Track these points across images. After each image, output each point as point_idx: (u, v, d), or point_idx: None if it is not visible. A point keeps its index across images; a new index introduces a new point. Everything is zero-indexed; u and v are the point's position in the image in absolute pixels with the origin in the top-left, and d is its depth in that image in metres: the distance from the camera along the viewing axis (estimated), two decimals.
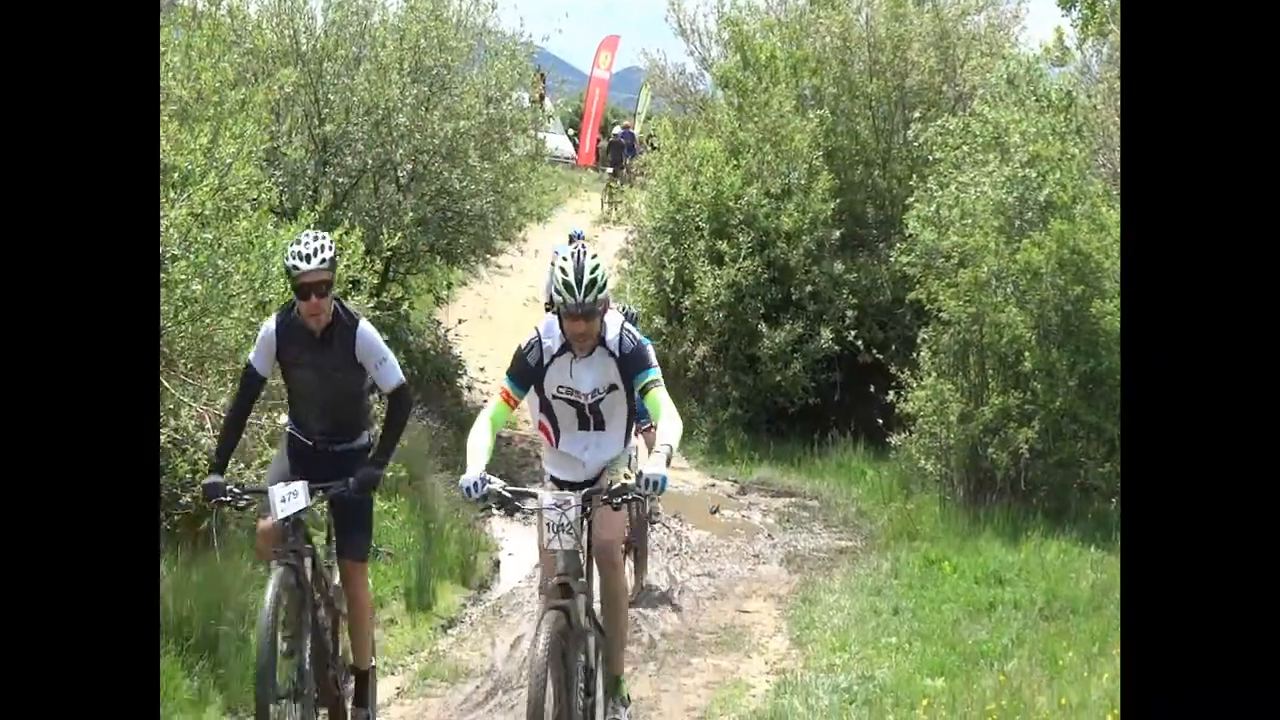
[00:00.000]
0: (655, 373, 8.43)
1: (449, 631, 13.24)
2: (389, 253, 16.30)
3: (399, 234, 16.47)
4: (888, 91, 22.59)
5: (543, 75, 23.71)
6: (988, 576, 14.20)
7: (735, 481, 20.02)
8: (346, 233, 13.82)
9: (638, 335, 8.54)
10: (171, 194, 12.22)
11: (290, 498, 8.37)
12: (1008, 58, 19.72)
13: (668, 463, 7.88)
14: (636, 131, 39.83)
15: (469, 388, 21.44)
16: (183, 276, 11.72)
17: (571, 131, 46.10)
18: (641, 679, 11.67)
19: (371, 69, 19.11)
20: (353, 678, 9.11)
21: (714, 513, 18.33)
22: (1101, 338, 16.39)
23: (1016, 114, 18.07)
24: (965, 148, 18.21)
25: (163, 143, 13.10)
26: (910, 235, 18.52)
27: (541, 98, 24.64)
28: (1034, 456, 16.42)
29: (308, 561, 8.57)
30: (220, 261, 12.12)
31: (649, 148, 30.56)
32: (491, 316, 25.42)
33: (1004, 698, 9.35)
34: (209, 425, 11.53)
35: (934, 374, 17.39)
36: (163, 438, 11.15)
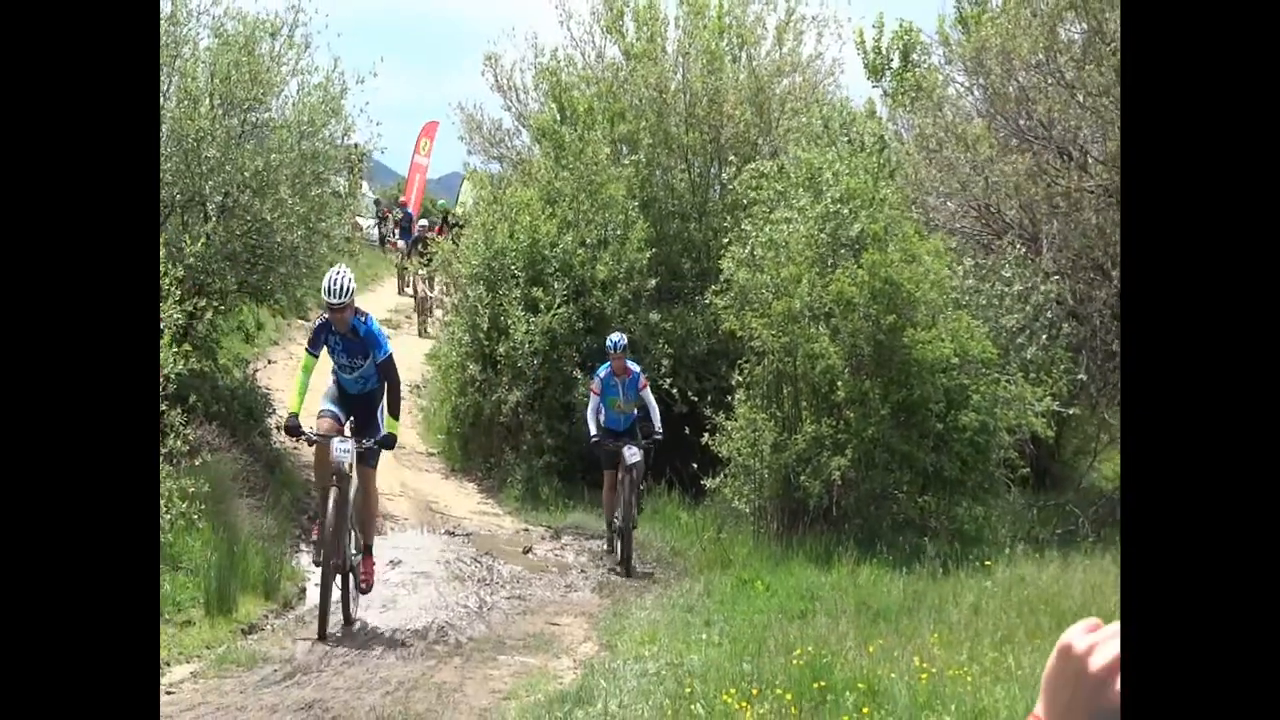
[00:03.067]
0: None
1: (249, 636, 12.81)
2: (191, 262, 16.06)
3: (200, 242, 16.21)
4: (703, 144, 22.69)
5: (362, 155, 23.30)
6: (800, 593, 14.11)
7: (549, 527, 19.74)
8: None
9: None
10: None
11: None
12: (821, 102, 19.92)
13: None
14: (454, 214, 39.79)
15: (277, 427, 20.94)
16: None
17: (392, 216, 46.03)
18: (446, 670, 11.40)
19: (182, 98, 18.77)
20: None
21: (526, 552, 18.06)
22: (914, 367, 16.46)
23: (830, 155, 18.25)
24: (779, 186, 18.31)
25: None
26: (726, 279, 18.51)
27: (360, 165, 24.14)
28: (847, 486, 16.42)
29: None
30: None
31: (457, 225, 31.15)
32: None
33: (810, 642, 9.21)
34: None
35: (748, 405, 17.33)
36: None
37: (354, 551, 13.27)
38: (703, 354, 21.63)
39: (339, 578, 12.96)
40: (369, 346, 13.26)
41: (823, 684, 8.70)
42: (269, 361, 23.04)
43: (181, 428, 13.70)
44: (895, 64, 24.04)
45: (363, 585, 13.54)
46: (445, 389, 23.57)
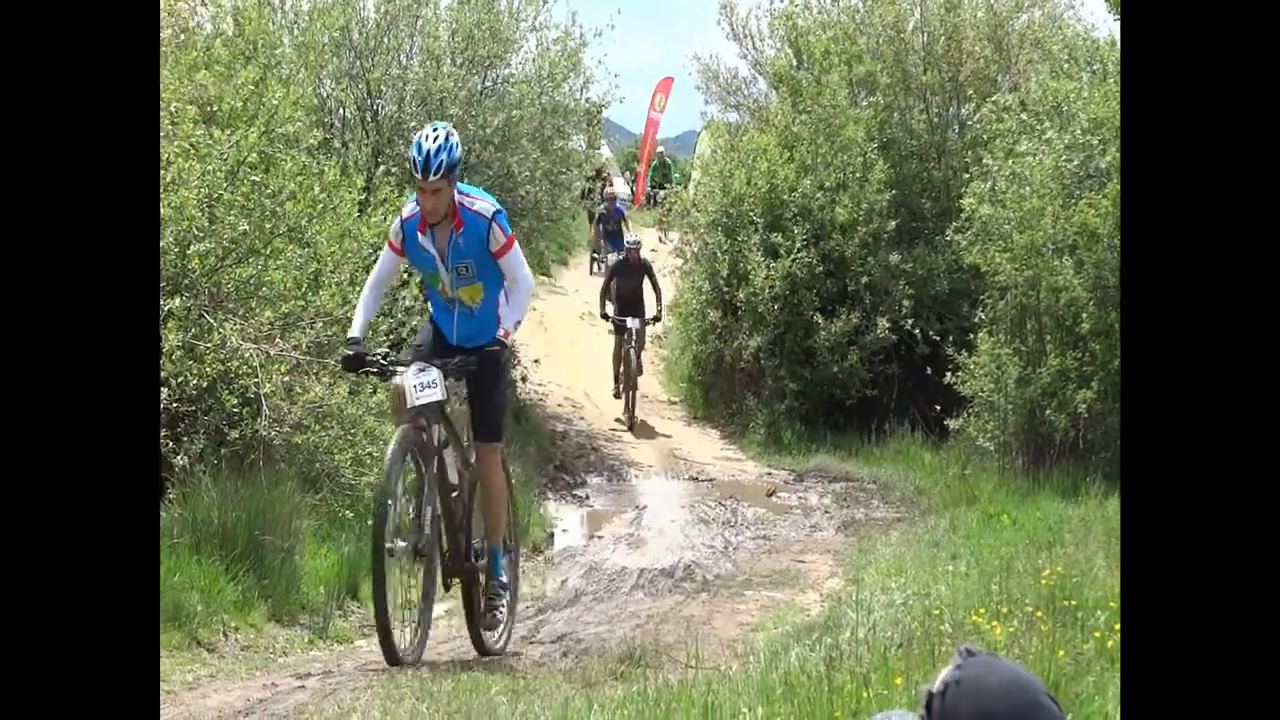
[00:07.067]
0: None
1: None
2: None
3: None
4: (942, 83, 22.43)
5: (600, 109, 23.45)
6: (1047, 525, 13.95)
7: (792, 470, 19.74)
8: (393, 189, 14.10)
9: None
10: (216, 133, 12.26)
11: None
12: (1065, 27, 19.63)
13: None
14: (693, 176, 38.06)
15: (523, 379, 21.29)
16: (231, 216, 11.81)
17: (629, 174, 46.25)
18: (693, 605, 11.53)
19: (424, 58, 19.18)
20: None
21: (770, 495, 18.14)
22: None
23: (1075, 85, 17.98)
24: (1024, 116, 18.09)
25: (208, 79, 13.19)
26: (967, 216, 18.36)
27: (599, 118, 24.30)
28: (1093, 419, 16.21)
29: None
30: (266, 201, 12.20)
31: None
32: (546, 328, 25.37)
33: (1060, 564, 9.16)
34: (260, 363, 11.54)
35: (991, 341, 17.22)
36: (212, 371, 11.17)
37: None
38: (944, 294, 21.41)
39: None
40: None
41: (1073, 602, 8.63)
42: None
43: None
44: None
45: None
46: (686, 336, 23.73)
